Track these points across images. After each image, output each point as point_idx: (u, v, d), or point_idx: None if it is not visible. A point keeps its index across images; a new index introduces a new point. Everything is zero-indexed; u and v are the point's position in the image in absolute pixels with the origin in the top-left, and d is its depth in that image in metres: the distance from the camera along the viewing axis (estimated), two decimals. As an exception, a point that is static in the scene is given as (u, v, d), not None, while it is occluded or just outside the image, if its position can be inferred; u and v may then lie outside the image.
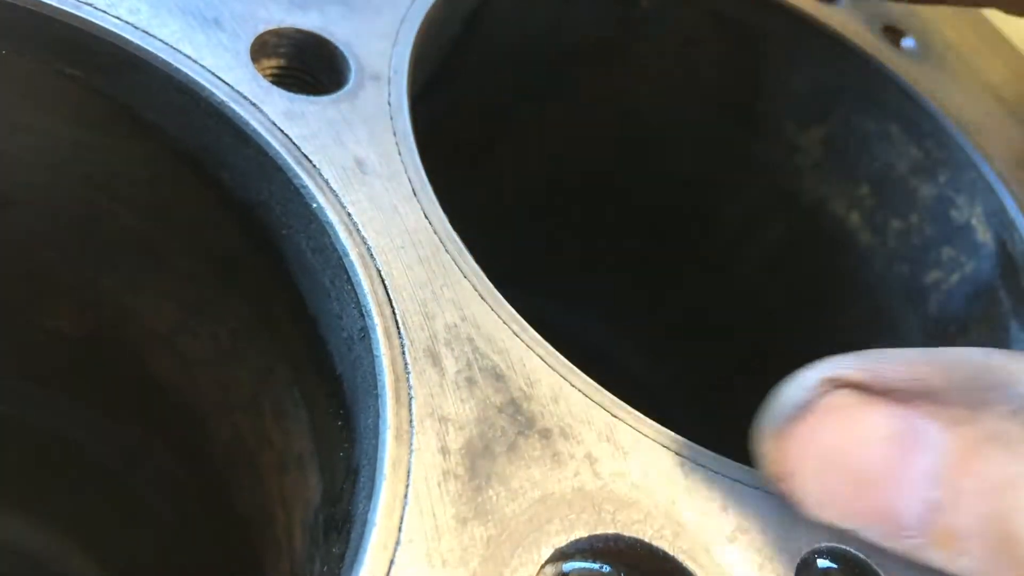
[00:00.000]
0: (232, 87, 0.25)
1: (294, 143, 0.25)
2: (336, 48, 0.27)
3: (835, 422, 0.20)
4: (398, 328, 0.22)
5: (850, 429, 0.19)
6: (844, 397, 0.20)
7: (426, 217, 0.24)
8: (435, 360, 0.21)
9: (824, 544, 0.21)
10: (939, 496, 0.18)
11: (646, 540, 0.20)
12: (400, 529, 0.19)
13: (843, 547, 0.21)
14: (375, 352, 0.21)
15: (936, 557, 0.19)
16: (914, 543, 0.19)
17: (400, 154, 0.26)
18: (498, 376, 0.22)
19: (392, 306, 0.22)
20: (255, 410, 0.32)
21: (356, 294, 0.22)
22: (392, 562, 0.18)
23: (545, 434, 0.21)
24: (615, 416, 0.22)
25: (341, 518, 0.22)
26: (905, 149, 0.36)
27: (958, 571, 0.19)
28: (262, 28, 0.27)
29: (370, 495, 0.19)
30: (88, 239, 0.32)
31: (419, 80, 0.31)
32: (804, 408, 0.20)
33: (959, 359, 0.19)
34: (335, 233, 0.23)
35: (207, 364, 0.33)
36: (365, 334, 0.22)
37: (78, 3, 0.25)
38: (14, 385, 0.38)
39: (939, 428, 0.18)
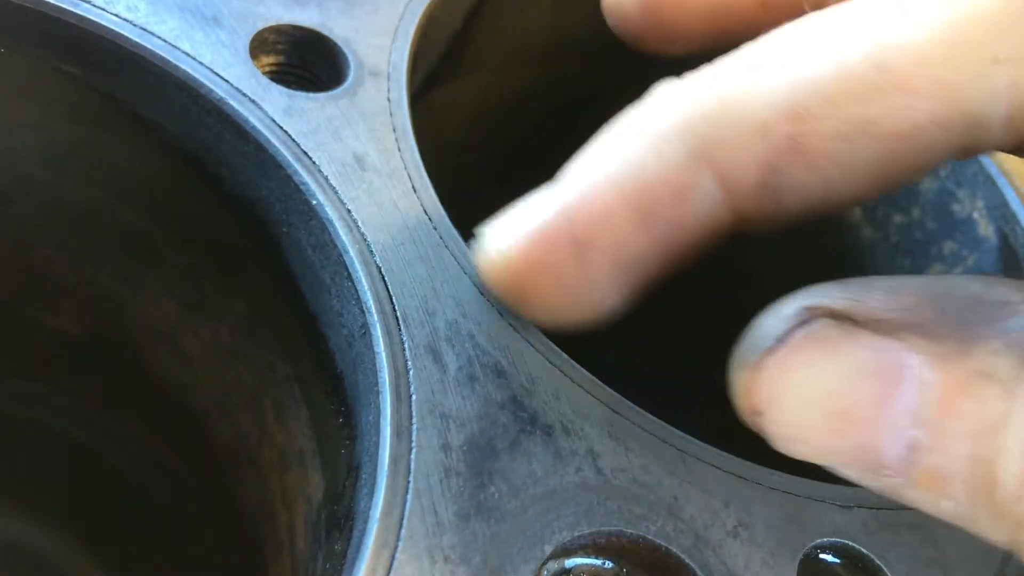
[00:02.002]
0: (231, 84, 0.25)
1: (293, 140, 0.24)
2: (335, 45, 0.27)
3: (813, 354, 0.18)
4: (399, 325, 0.22)
5: (830, 362, 0.18)
6: (824, 328, 0.18)
7: (426, 213, 0.24)
8: (436, 357, 0.21)
9: (827, 539, 0.21)
10: (923, 435, 0.17)
11: (648, 536, 0.20)
12: (401, 526, 0.18)
13: (846, 542, 0.21)
14: (376, 349, 0.21)
15: (917, 498, 0.18)
16: (894, 482, 0.18)
17: (400, 150, 0.26)
18: (499, 373, 0.22)
19: (392, 303, 0.22)
20: (256, 407, 0.32)
21: (356, 291, 0.22)
22: (394, 559, 0.18)
23: (547, 430, 0.21)
24: (617, 412, 0.22)
25: (343, 515, 0.22)
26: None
27: (939, 514, 0.18)
28: (261, 25, 0.27)
29: (371, 492, 0.19)
30: (87, 236, 0.32)
31: (419, 76, 0.31)
32: (780, 340, 0.18)
33: (954, 288, 0.18)
34: (335, 230, 0.23)
35: (207, 361, 0.33)
36: (365, 331, 0.22)
37: (76, 0, 0.25)
38: (13, 383, 0.38)
39: (926, 363, 0.17)
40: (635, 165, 0.20)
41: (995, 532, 0.17)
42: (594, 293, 0.21)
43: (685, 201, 0.20)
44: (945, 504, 0.17)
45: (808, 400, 0.18)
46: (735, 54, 0.21)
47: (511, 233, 0.22)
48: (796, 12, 0.21)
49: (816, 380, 0.18)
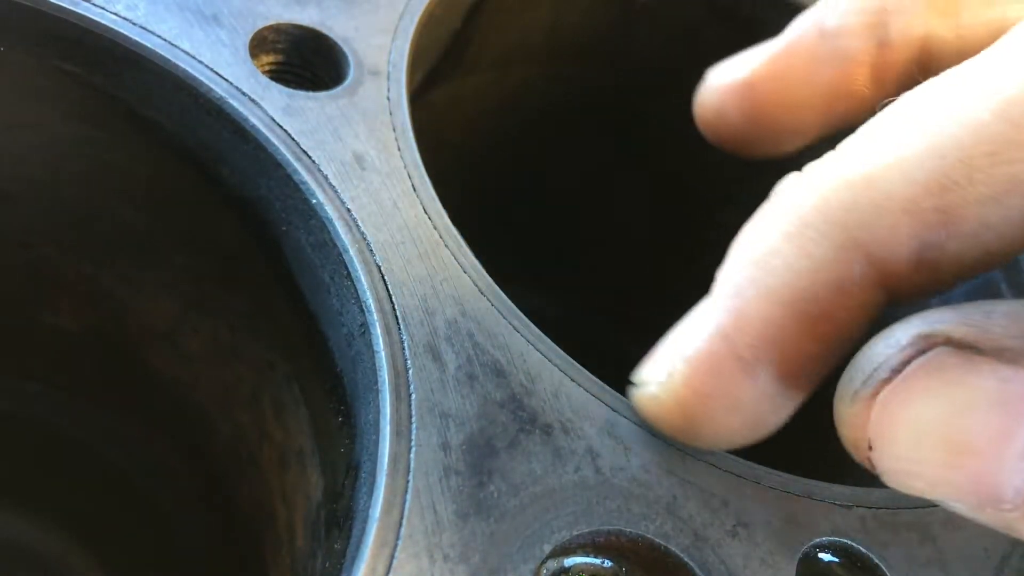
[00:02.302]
0: (231, 83, 0.25)
1: (293, 139, 0.24)
2: (335, 43, 0.27)
3: (934, 386, 0.17)
4: (398, 324, 0.22)
5: (952, 394, 0.17)
6: (945, 356, 0.17)
7: (426, 212, 0.24)
8: (435, 356, 0.21)
9: (825, 538, 0.21)
10: None
11: (648, 535, 0.20)
12: (401, 525, 0.19)
13: (845, 541, 0.21)
14: (375, 348, 0.21)
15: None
16: (1012, 517, 0.17)
17: (399, 150, 0.26)
18: (499, 372, 0.22)
19: (392, 302, 0.22)
20: (255, 406, 0.32)
21: (356, 290, 0.22)
22: (393, 557, 0.18)
23: (546, 429, 0.21)
24: (616, 411, 0.22)
25: (342, 514, 0.22)
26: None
27: None
28: (260, 24, 0.27)
29: (371, 491, 0.19)
30: (87, 235, 0.32)
31: (418, 75, 0.31)
32: (895, 369, 0.17)
33: None
34: (335, 229, 0.23)
35: (207, 360, 0.33)
36: (365, 330, 0.22)
37: (76, -1, 0.25)
38: (13, 381, 0.38)
39: None
40: (786, 271, 0.19)
41: None
42: (770, 409, 0.20)
43: (844, 296, 0.19)
44: None
45: (926, 433, 0.17)
46: (858, 134, 0.20)
47: (672, 365, 0.21)
48: (910, 81, 0.20)
49: (936, 412, 0.17)
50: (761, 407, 0.20)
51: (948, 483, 0.17)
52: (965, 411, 0.17)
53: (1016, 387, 0.16)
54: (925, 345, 0.17)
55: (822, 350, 0.20)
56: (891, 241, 0.18)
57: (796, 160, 0.22)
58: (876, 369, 0.18)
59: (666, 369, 0.21)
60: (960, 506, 0.18)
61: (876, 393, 0.17)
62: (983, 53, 0.19)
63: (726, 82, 0.28)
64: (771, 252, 0.20)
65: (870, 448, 0.18)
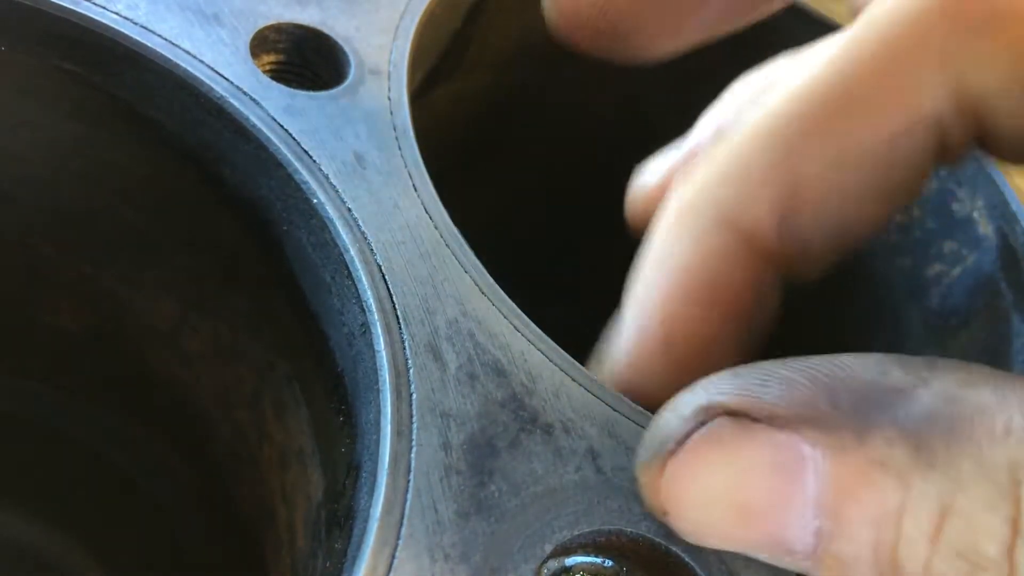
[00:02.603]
0: (231, 83, 0.25)
1: (294, 138, 0.24)
2: (336, 43, 0.27)
3: (713, 455, 0.18)
4: (399, 323, 0.22)
5: (730, 462, 0.18)
6: (722, 428, 0.18)
7: (427, 212, 0.24)
8: (436, 355, 0.21)
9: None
10: (827, 524, 0.17)
11: (649, 535, 0.20)
12: (402, 524, 0.19)
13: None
14: (376, 347, 0.21)
15: None
16: (805, 565, 0.18)
17: (400, 149, 0.26)
18: (500, 371, 0.22)
19: (393, 301, 0.22)
20: (256, 406, 0.32)
21: (357, 289, 0.22)
22: (394, 557, 0.18)
23: (547, 429, 0.21)
24: (617, 411, 0.22)
25: (343, 514, 0.22)
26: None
27: None
28: (261, 23, 0.27)
29: (372, 491, 0.19)
30: (87, 235, 0.32)
31: (419, 75, 0.31)
32: (679, 442, 0.18)
33: (847, 377, 0.18)
34: (335, 228, 0.23)
35: (207, 360, 0.33)
36: (366, 329, 0.22)
37: (76, -2, 0.25)
38: (13, 381, 0.38)
39: (823, 455, 0.17)
40: (676, 256, 0.22)
41: None
42: (685, 380, 0.21)
43: (728, 268, 0.22)
44: None
45: (714, 500, 0.18)
46: (704, 152, 0.23)
47: (607, 358, 0.23)
48: None
49: (718, 479, 0.18)
50: (680, 379, 0.21)
51: (742, 541, 0.18)
52: (745, 477, 0.18)
53: (789, 451, 0.17)
54: (705, 416, 0.18)
55: (726, 324, 0.22)
56: (754, 211, 0.21)
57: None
58: (663, 442, 0.19)
59: (605, 360, 0.24)
60: (761, 558, 0.19)
61: (664, 464, 0.18)
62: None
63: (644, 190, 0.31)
64: (662, 245, 0.23)
65: (666, 514, 0.19)
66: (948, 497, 0.16)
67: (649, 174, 0.31)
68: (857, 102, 0.21)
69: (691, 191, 0.23)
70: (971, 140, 0.21)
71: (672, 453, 0.18)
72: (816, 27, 0.38)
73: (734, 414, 0.18)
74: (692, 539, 0.19)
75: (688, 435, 0.18)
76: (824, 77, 0.21)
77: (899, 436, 0.17)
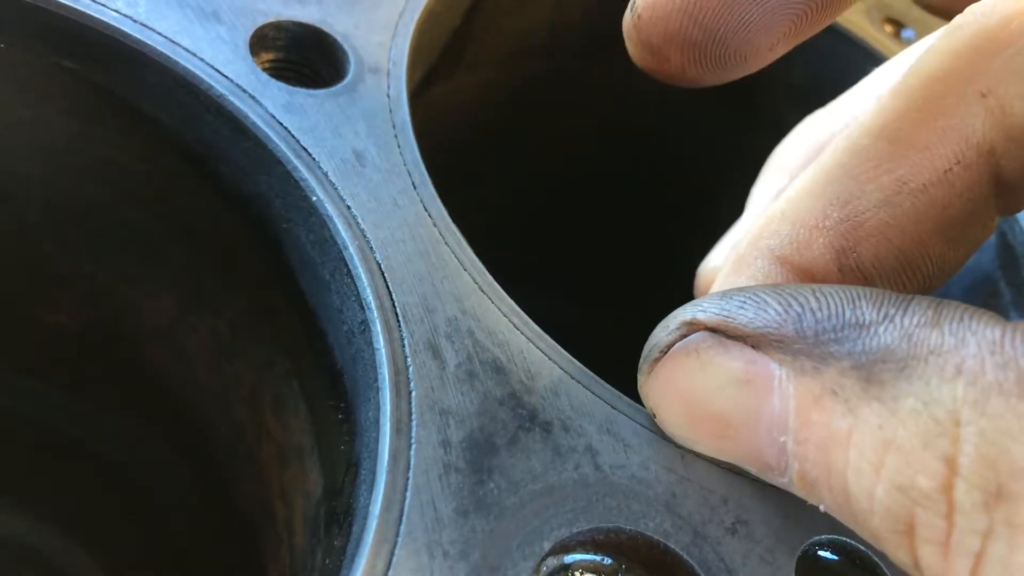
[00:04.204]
0: (231, 80, 0.25)
1: (293, 136, 0.24)
2: (335, 41, 0.27)
3: (689, 364, 0.20)
4: (398, 321, 0.22)
5: (708, 373, 0.20)
6: (700, 341, 0.20)
7: (426, 210, 0.24)
8: (435, 353, 0.21)
9: (824, 536, 0.21)
10: (789, 442, 0.18)
11: (647, 532, 0.20)
12: (401, 522, 0.19)
13: (843, 539, 0.21)
14: (375, 345, 0.21)
15: (806, 498, 0.19)
16: (784, 482, 0.19)
17: (399, 147, 0.26)
18: (499, 369, 0.22)
19: (392, 299, 0.22)
20: (255, 403, 0.32)
21: (356, 287, 0.22)
22: (393, 554, 0.18)
23: (546, 427, 0.21)
24: (615, 408, 0.22)
25: (342, 511, 0.22)
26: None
27: (826, 511, 0.19)
28: (261, 21, 0.27)
29: (371, 488, 0.19)
30: (87, 232, 0.32)
31: (418, 73, 0.31)
32: (663, 351, 0.20)
33: (818, 308, 0.19)
34: (335, 226, 0.23)
35: (206, 357, 0.33)
36: (365, 327, 0.22)
37: (76, -4, 0.25)
38: (12, 379, 0.38)
39: (787, 376, 0.18)
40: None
41: (865, 536, 0.18)
42: None
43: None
44: (822, 507, 0.19)
45: (693, 407, 0.20)
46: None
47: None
48: None
49: (694, 387, 0.20)
50: None
51: (723, 452, 0.20)
52: (718, 388, 0.20)
53: (758, 368, 0.19)
54: (688, 330, 0.20)
55: None
56: (810, 250, 0.22)
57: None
58: (651, 349, 0.21)
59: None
60: (751, 471, 0.20)
61: (651, 370, 0.21)
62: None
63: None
64: (721, 281, 0.24)
65: (655, 415, 0.21)
66: (890, 431, 0.17)
67: (715, 255, 0.32)
68: (905, 139, 0.21)
69: (747, 240, 0.24)
70: None
71: (656, 360, 0.21)
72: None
73: (713, 331, 0.20)
74: (683, 444, 0.21)
75: (671, 345, 0.20)
76: (872, 118, 0.22)
77: (852, 368, 0.17)
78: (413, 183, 0.25)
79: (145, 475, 0.39)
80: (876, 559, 0.21)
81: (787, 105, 0.40)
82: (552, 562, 0.19)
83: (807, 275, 0.22)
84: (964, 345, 0.16)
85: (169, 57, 0.25)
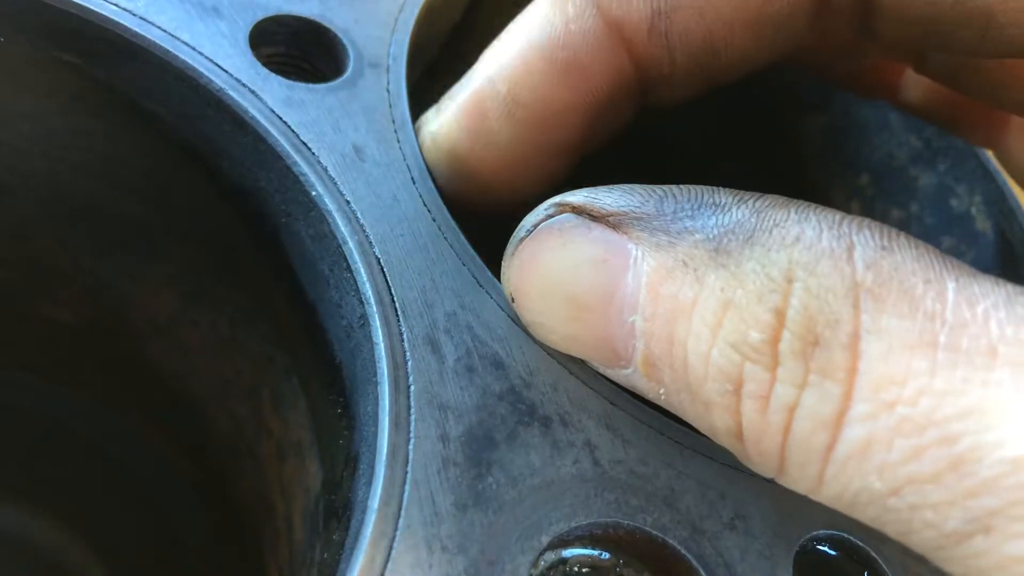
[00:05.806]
0: (231, 75, 0.25)
1: (293, 131, 0.24)
2: (335, 35, 0.27)
3: (553, 242, 0.20)
4: (397, 316, 0.22)
5: (568, 252, 0.20)
6: (564, 220, 0.20)
7: (425, 205, 0.24)
8: (434, 348, 0.21)
9: (823, 531, 0.21)
10: (639, 321, 0.19)
11: (645, 527, 0.20)
12: (400, 516, 0.19)
13: (842, 534, 0.21)
14: (374, 340, 0.21)
15: (645, 388, 0.20)
16: (627, 373, 0.20)
17: (399, 142, 0.26)
18: (498, 364, 0.22)
19: (391, 294, 0.22)
20: (254, 399, 0.32)
21: (355, 282, 0.22)
22: (392, 548, 0.18)
23: (545, 422, 0.21)
24: (614, 404, 0.22)
25: (341, 505, 0.22)
26: (905, 138, 0.36)
27: (661, 403, 0.19)
28: (260, 15, 0.27)
29: (369, 482, 0.19)
30: (86, 227, 0.32)
31: (418, 68, 0.31)
32: (529, 230, 0.21)
33: (679, 193, 0.19)
34: (334, 221, 0.23)
35: (206, 352, 0.34)
36: (364, 322, 0.22)
37: (75, -10, 0.25)
38: (12, 374, 0.38)
39: (642, 253, 0.19)
40: (543, 23, 0.23)
41: (695, 416, 0.19)
42: (526, 153, 0.24)
43: (590, 47, 0.23)
44: (661, 392, 0.19)
45: (550, 288, 0.20)
46: None
47: (447, 107, 0.24)
48: None
49: (556, 268, 0.20)
50: (519, 148, 0.24)
51: (574, 339, 0.20)
52: (577, 269, 0.20)
53: (616, 248, 0.19)
54: (555, 212, 0.20)
55: (573, 101, 0.24)
56: (628, 4, 0.23)
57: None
58: (519, 230, 0.21)
59: (443, 112, 0.25)
60: (598, 366, 0.20)
61: (515, 249, 0.21)
62: None
63: None
64: (535, 12, 0.24)
65: (513, 300, 0.21)
66: (730, 292, 0.17)
67: None
68: None
69: None
70: (857, 4, 0.23)
71: (522, 240, 0.21)
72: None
73: (578, 211, 0.20)
74: (536, 334, 0.21)
75: (537, 225, 0.21)
76: None
77: (704, 240, 0.18)
78: (413, 178, 0.25)
79: (144, 469, 0.39)
80: (874, 554, 0.21)
81: (786, 104, 0.40)
82: (550, 556, 0.19)
83: (616, 28, 0.23)
84: (806, 220, 0.17)
85: (169, 51, 0.25)
